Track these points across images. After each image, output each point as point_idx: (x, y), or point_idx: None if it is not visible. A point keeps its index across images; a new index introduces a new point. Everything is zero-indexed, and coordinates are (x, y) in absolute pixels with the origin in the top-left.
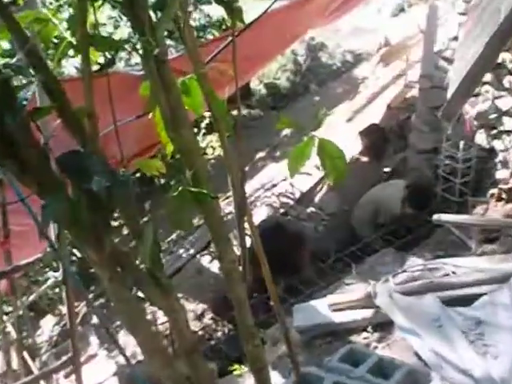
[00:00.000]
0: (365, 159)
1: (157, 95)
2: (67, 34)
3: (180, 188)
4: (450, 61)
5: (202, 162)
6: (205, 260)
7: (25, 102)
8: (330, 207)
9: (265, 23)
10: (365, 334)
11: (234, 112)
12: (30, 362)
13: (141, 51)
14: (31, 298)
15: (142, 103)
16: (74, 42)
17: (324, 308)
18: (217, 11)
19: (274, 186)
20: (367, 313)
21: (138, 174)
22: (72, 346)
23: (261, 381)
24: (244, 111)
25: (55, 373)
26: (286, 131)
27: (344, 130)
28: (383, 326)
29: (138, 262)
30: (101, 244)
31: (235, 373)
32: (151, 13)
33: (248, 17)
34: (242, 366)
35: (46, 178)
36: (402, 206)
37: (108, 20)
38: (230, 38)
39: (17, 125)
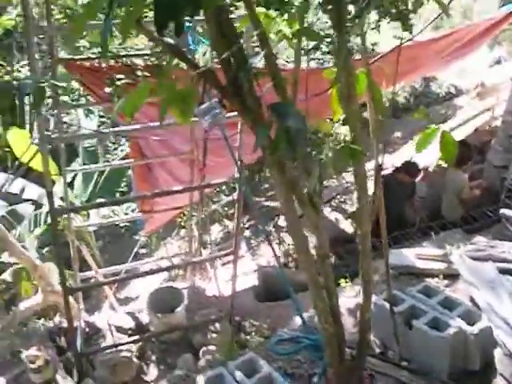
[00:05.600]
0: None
1: (340, 77)
2: (285, 29)
3: (342, 144)
4: None
5: (359, 128)
6: (326, 210)
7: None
8: (421, 192)
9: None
10: (437, 280)
11: None
12: (202, 250)
13: (337, 44)
14: (212, 207)
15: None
16: (289, 35)
17: (412, 255)
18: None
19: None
20: (441, 265)
21: None
22: (234, 243)
23: (366, 289)
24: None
25: (218, 258)
26: (398, 133)
27: None
28: (451, 276)
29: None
30: (284, 170)
31: (342, 285)
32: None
33: None
34: (347, 282)
35: (259, 117)
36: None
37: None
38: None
39: (246, 80)
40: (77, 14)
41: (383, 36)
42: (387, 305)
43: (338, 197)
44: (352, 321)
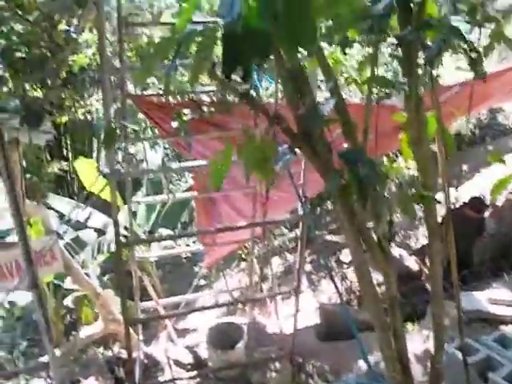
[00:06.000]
0: None
1: (411, 120)
2: (352, 72)
3: (413, 191)
4: None
5: (431, 171)
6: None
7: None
8: (490, 229)
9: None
10: None
11: None
12: (262, 284)
13: (407, 90)
14: (274, 242)
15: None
16: (357, 79)
17: (484, 299)
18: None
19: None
20: None
21: None
22: (297, 280)
23: (438, 335)
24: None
25: (279, 295)
26: (464, 167)
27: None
28: None
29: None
30: (354, 217)
31: (408, 328)
32: None
33: None
34: (414, 324)
35: (328, 163)
36: None
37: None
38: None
39: (316, 126)
40: (148, 54)
41: (445, 67)
42: (459, 354)
43: (402, 232)
44: (421, 369)
